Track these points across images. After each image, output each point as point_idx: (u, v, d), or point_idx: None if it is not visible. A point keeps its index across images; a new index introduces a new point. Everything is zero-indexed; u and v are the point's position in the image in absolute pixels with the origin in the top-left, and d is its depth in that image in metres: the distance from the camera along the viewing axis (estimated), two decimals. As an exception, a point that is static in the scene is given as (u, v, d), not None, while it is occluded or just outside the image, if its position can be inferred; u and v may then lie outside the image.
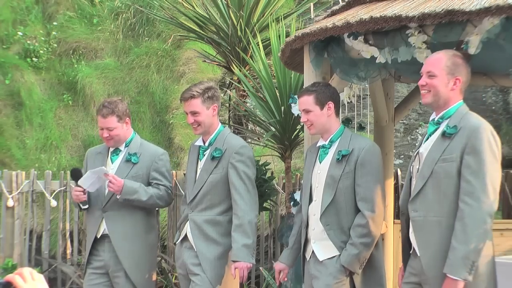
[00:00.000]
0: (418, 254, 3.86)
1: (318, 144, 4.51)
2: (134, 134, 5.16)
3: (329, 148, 4.43)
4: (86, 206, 4.99)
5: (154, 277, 5.16)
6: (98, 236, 5.02)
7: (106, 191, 5.00)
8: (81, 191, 4.92)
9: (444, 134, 3.80)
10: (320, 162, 4.44)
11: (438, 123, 3.86)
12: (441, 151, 3.78)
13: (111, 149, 5.12)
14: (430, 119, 3.96)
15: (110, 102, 5.04)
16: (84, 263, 5.17)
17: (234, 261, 4.64)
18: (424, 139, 3.96)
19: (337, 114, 4.48)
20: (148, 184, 5.04)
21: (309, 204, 4.46)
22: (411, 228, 3.91)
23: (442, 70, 3.82)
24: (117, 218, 4.96)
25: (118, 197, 4.87)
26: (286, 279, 4.72)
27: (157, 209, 5.70)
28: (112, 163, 5.09)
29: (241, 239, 4.62)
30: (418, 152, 3.96)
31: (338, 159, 4.34)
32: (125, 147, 5.09)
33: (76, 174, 5.01)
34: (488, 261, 3.77)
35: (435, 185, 3.78)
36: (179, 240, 4.92)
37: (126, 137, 5.09)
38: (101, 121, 5.01)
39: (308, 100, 4.42)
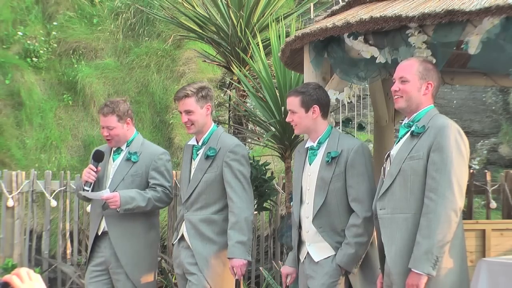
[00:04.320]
0: (385, 252, 3.88)
1: (306, 146, 4.49)
2: (136, 133, 5.20)
3: (317, 149, 4.41)
4: (89, 190, 4.98)
5: (154, 276, 5.14)
6: (99, 233, 5.05)
7: (107, 188, 5.02)
8: (94, 171, 4.97)
9: (412, 134, 3.86)
10: (310, 164, 4.43)
11: (409, 126, 3.92)
12: (408, 149, 3.84)
13: (114, 148, 5.15)
14: (403, 122, 4.00)
15: (112, 102, 5.12)
16: (84, 262, 5.18)
17: (230, 259, 4.63)
18: (395, 142, 4.02)
19: (324, 116, 4.43)
20: (147, 183, 5.05)
21: (300, 206, 4.46)
22: (380, 227, 3.94)
23: (414, 75, 3.88)
24: (116, 216, 4.97)
25: (118, 210, 4.89)
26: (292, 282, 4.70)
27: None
28: (114, 161, 5.12)
29: (236, 236, 4.62)
30: (389, 154, 4.01)
31: (328, 161, 4.32)
32: (126, 146, 5.12)
33: (98, 156, 5.04)
34: (457, 259, 3.78)
35: (403, 182, 3.82)
36: (176, 240, 4.92)
37: (127, 137, 5.12)
38: (101, 120, 5.09)
39: (293, 102, 4.42)
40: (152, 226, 5.13)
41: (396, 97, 3.95)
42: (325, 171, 4.33)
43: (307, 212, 4.39)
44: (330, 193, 4.30)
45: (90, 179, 4.96)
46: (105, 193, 4.90)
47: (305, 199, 4.42)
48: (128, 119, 5.10)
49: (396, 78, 3.94)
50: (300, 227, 4.45)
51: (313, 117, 4.39)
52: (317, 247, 4.36)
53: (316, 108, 4.39)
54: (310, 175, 4.41)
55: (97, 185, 5.09)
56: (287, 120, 4.54)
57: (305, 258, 4.43)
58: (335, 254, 4.30)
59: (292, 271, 4.59)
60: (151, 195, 4.97)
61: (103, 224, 5.02)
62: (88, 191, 4.98)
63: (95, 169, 4.99)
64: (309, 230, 4.38)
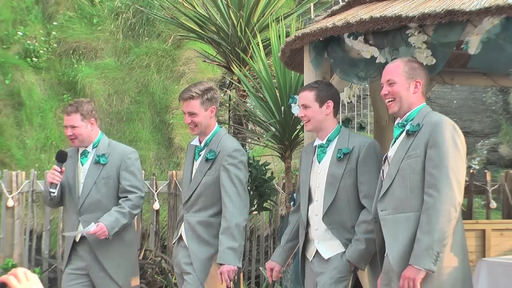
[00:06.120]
0: (387, 251, 3.88)
1: (314, 144, 4.49)
2: (101, 135, 5.14)
3: (327, 147, 4.42)
4: (55, 194, 4.92)
5: (137, 280, 5.13)
6: (77, 240, 5.01)
7: (80, 193, 4.99)
8: (59, 171, 4.91)
9: (407, 133, 3.86)
10: (319, 162, 4.43)
11: (403, 126, 3.92)
12: (405, 149, 3.84)
13: (80, 152, 5.10)
14: (396, 123, 4.00)
15: (76, 101, 5.10)
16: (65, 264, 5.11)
17: (220, 264, 4.62)
18: (392, 143, 4.01)
19: (335, 114, 4.48)
20: (118, 184, 5.02)
21: (309, 205, 4.45)
22: (382, 227, 3.93)
23: (401, 76, 3.90)
24: (93, 220, 4.93)
25: (107, 237, 4.88)
26: (281, 276, 4.71)
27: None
28: (82, 165, 5.07)
29: (227, 242, 4.60)
30: (386, 156, 4.00)
31: (339, 157, 4.33)
32: (92, 148, 5.08)
33: (62, 157, 4.97)
34: (458, 255, 3.77)
35: (402, 182, 3.83)
36: (175, 240, 4.92)
37: (91, 138, 5.07)
38: (65, 119, 5.07)
39: (308, 96, 4.42)
40: (129, 226, 5.09)
41: (388, 102, 3.96)
42: (336, 168, 4.34)
43: (316, 210, 4.40)
44: (341, 189, 4.32)
45: (55, 180, 4.90)
46: (91, 228, 4.85)
47: (314, 197, 4.42)
48: (92, 119, 5.04)
49: (384, 82, 3.96)
50: (307, 226, 4.45)
51: (327, 112, 4.41)
52: (326, 245, 4.37)
53: (331, 103, 4.41)
54: (320, 172, 4.41)
55: (68, 191, 5.04)
56: (299, 115, 4.53)
57: (313, 257, 4.43)
58: (345, 251, 4.31)
59: (275, 265, 4.64)
60: (128, 208, 4.95)
61: (80, 229, 4.97)
62: (54, 193, 4.91)
63: (60, 170, 4.92)
64: (318, 227, 4.39)
